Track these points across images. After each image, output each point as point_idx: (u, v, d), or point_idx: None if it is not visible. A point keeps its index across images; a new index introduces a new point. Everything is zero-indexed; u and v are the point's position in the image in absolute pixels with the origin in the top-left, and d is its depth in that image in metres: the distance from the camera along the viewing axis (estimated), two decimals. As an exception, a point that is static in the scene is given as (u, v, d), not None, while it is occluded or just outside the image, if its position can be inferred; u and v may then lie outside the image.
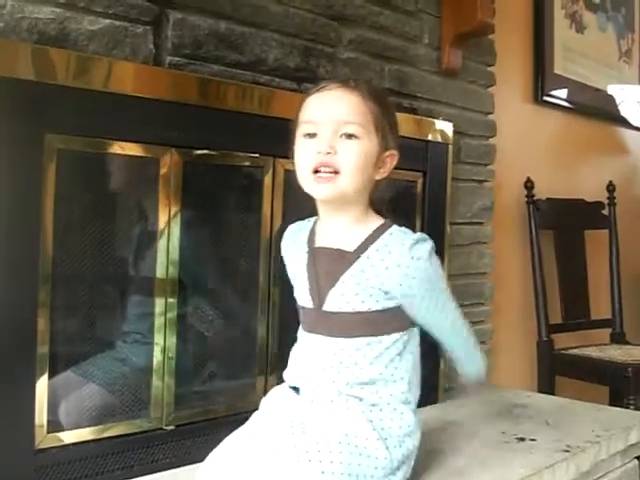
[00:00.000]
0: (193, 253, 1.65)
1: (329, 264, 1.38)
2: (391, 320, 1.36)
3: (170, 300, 1.59)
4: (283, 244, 1.53)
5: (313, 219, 1.47)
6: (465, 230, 2.42)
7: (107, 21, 1.51)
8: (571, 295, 3.00)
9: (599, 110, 3.40)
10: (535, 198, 2.89)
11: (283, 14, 1.83)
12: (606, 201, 3.15)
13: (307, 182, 1.35)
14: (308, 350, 1.42)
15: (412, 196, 2.15)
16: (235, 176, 1.74)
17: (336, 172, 1.31)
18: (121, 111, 1.48)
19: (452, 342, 1.49)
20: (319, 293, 1.38)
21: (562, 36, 3.14)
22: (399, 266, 1.32)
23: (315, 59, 1.92)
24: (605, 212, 3.15)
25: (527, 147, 2.96)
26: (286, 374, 1.46)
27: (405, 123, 2.08)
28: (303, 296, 1.42)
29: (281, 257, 1.55)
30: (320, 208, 1.42)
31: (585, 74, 3.28)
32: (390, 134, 1.39)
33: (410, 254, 1.32)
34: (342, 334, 1.36)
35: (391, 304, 1.35)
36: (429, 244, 1.35)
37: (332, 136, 1.32)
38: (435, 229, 2.18)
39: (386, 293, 1.34)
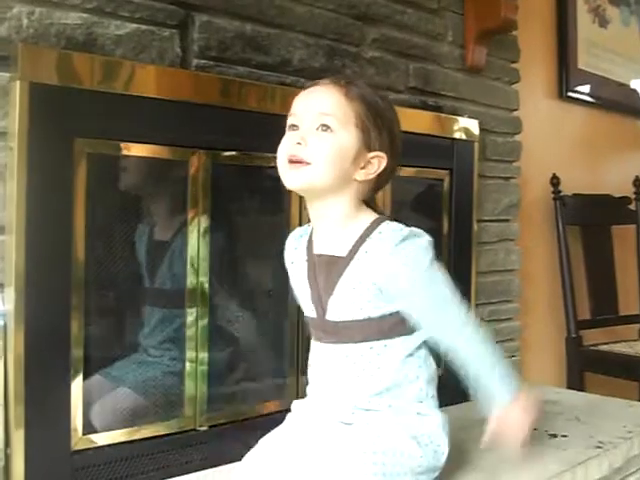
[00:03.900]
0: (223, 254, 1.66)
1: (326, 272, 1.36)
2: (394, 325, 1.33)
3: (201, 301, 1.60)
4: (286, 254, 1.47)
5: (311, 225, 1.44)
6: (492, 227, 2.42)
7: (134, 25, 1.52)
8: (599, 291, 2.98)
9: (624, 104, 3.37)
10: (561, 194, 2.87)
11: (308, 15, 1.84)
12: (633, 196, 3.12)
13: (282, 173, 1.33)
14: (320, 360, 1.41)
15: (439, 194, 2.15)
16: (263, 177, 1.75)
17: (307, 163, 1.29)
18: (149, 114, 1.49)
19: (466, 352, 1.33)
20: (321, 302, 1.36)
21: (585, 31, 3.12)
22: (386, 260, 1.29)
23: (340, 59, 1.92)
24: (632, 207, 3.12)
25: (552, 143, 2.94)
26: (309, 389, 1.44)
27: (430, 121, 2.09)
28: (307, 306, 1.41)
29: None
30: (309, 212, 1.39)
31: (609, 69, 3.26)
32: (378, 136, 1.33)
33: (397, 247, 1.28)
34: (347, 340, 1.34)
35: (390, 309, 1.32)
36: (420, 239, 1.31)
37: (308, 128, 1.31)
38: (462, 227, 2.18)
39: (382, 292, 1.31)
